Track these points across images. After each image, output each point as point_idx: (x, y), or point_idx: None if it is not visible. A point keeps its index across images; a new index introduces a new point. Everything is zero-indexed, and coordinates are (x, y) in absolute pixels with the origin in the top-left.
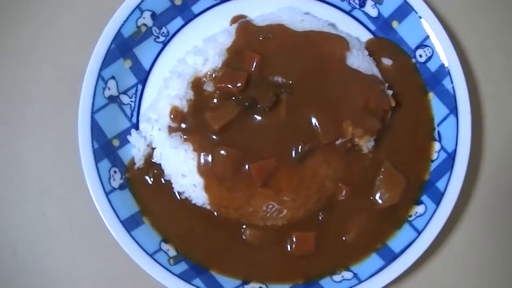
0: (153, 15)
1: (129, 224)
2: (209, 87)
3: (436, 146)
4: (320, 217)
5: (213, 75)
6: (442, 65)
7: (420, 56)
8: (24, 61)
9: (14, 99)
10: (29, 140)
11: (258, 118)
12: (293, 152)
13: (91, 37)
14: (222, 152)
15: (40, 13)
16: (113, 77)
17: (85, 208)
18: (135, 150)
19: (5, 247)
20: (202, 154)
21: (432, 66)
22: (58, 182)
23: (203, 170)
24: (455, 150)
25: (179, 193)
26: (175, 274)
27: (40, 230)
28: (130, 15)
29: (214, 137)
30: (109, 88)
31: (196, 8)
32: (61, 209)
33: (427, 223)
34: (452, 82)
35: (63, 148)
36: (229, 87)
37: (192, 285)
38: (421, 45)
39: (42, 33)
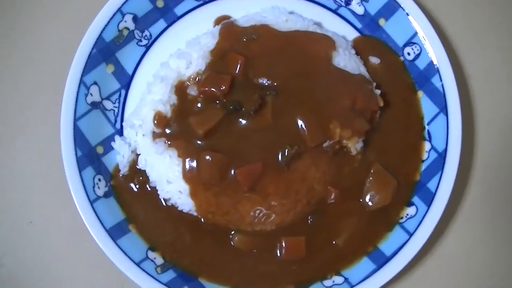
0: (135, 18)
1: (115, 233)
2: (193, 91)
3: (427, 145)
4: (309, 221)
5: (197, 79)
6: (431, 63)
7: (408, 54)
8: (7, 69)
9: None
10: (13, 148)
11: (244, 121)
12: (280, 156)
13: (74, 42)
14: (207, 157)
15: (22, 20)
16: (95, 83)
17: (71, 217)
18: (120, 156)
19: None
20: (187, 160)
21: (421, 64)
22: (44, 191)
23: (188, 176)
24: (445, 150)
25: (164, 200)
26: (162, 283)
27: (27, 240)
28: (111, 18)
29: (199, 142)
30: (91, 94)
31: (179, 10)
32: (47, 218)
33: (419, 225)
34: (441, 80)
35: (48, 156)
36: (213, 90)
37: None
38: (409, 43)
39: (25, 40)
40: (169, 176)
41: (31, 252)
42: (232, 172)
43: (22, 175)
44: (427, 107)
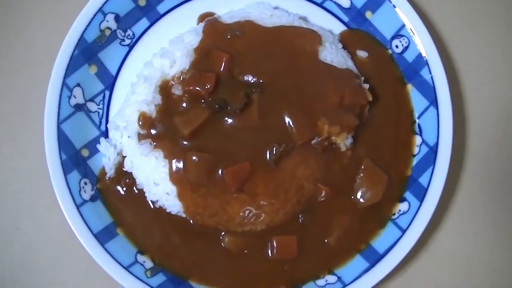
0: (117, 18)
1: (103, 237)
2: (177, 91)
3: (417, 139)
4: (300, 220)
5: (181, 78)
6: (420, 55)
7: (397, 46)
8: None
9: None
10: None
11: (230, 120)
12: (268, 154)
13: (56, 44)
14: (194, 157)
15: (3, 23)
16: (78, 85)
17: (58, 222)
18: (106, 159)
19: None
20: (173, 160)
21: (409, 56)
22: (30, 196)
23: (175, 177)
24: (436, 143)
25: (152, 202)
26: (152, 287)
27: (15, 246)
28: (92, 19)
29: (185, 142)
30: (74, 96)
31: (161, 8)
32: (35, 224)
33: (411, 220)
34: (430, 73)
35: (34, 161)
36: (197, 89)
37: None
38: (397, 35)
39: (7, 43)
40: (156, 177)
41: (19, 259)
42: (220, 172)
43: (8, 182)
44: (417, 101)
